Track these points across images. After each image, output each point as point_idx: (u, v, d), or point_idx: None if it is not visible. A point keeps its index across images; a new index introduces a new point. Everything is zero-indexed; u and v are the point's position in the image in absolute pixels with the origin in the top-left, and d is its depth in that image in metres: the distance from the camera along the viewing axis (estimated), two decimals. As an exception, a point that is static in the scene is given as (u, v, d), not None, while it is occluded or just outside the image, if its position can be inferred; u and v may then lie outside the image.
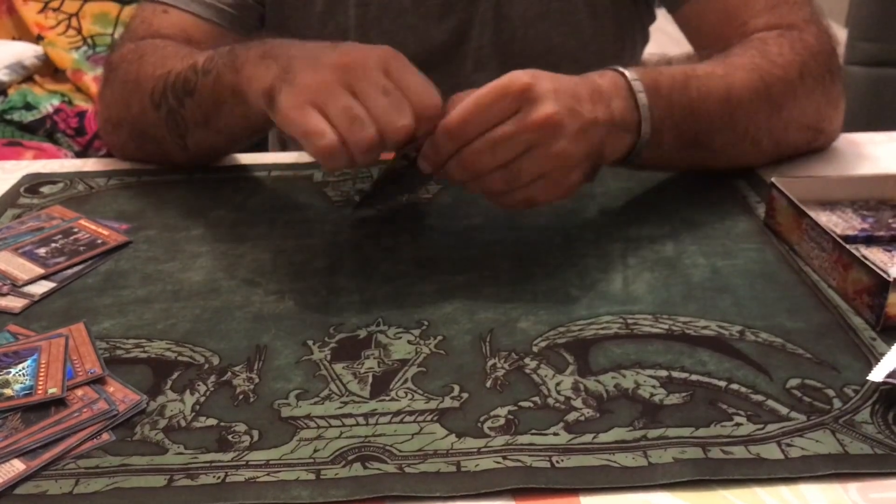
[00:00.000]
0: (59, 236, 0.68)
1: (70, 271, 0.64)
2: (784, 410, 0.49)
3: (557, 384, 0.51)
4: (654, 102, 0.65)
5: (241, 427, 0.48)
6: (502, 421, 0.48)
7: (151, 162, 0.82)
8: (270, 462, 0.46)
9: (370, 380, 0.52)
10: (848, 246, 0.58)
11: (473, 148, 0.58)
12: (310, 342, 0.56)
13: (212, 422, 0.49)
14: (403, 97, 0.57)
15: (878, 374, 0.49)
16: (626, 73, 0.65)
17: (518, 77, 0.58)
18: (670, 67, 0.70)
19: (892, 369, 0.50)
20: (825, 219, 0.66)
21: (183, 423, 0.49)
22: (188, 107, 0.73)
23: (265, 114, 0.63)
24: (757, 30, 0.78)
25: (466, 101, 0.58)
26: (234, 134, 0.76)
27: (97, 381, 0.51)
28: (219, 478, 0.45)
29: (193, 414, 0.49)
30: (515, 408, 0.49)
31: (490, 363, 0.53)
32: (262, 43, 0.66)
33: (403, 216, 0.72)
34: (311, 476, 0.45)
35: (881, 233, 0.65)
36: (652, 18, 0.97)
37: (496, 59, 0.88)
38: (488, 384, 0.51)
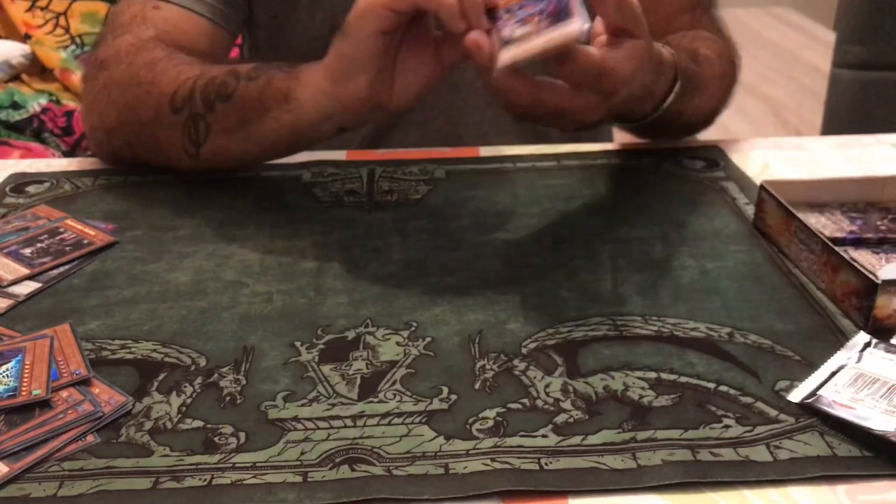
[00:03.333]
0: (45, 236, 0.68)
1: (56, 271, 0.64)
2: (773, 413, 0.49)
3: (546, 386, 0.51)
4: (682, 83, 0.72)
5: (228, 429, 0.48)
6: (491, 423, 0.48)
7: (147, 165, 0.79)
8: (257, 464, 0.45)
9: (358, 381, 0.52)
10: (836, 248, 0.58)
11: None
12: (297, 343, 0.55)
13: (198, 424, 0.48)
14: None
15: (797, 395, 0.49)
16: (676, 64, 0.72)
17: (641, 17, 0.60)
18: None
19: (810, 391, 0.49)
20: (814, 221, 0.66)
21: (169, 425, 0.48)
22: (219, 112, 0.70)
23: (314, 122, 0.66)
24: (682, 26, 0.86)
25: None
26: (268, 143, 0.72)
27: (82, 383, 0.51)
28: (205, 480, 0.44)
29: (179, 416, 0.49)
30: (504, 409, 0.49)
31: (479, 365, 0.53)
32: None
33: (392, 217, 0.71)
34: (299, 478, 0.44)
35: (869, 235, 0.65)
36: None
37: None
38: (477, 386, 0.51)
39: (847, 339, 0.54)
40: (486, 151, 0.84)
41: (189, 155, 0.75)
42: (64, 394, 0.50)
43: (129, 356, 0.54)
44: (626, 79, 0.59)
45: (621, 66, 0.58)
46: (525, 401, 0.50)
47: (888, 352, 0.51)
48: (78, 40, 1.80)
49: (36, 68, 1.79)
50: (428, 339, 0.55)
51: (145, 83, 0.75)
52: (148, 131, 0.76)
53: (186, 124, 0.72)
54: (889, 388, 0.48)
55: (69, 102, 1.71)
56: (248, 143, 0.72)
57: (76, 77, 1.72)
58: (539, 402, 0.50)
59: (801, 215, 0.63)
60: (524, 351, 0.54)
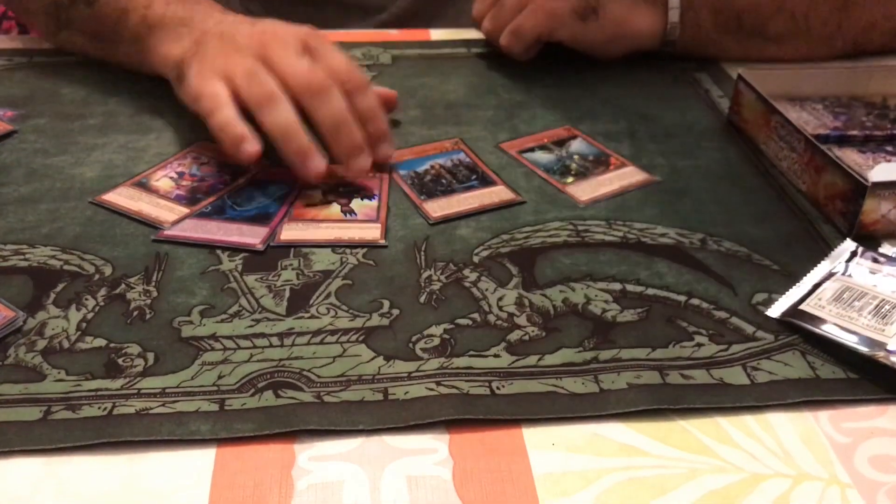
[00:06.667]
0: (-68, 124, 0.59)
1: (-58, 165, 0.56)
2: (750, 329, 0.44)
3: (499, 299, 0.46)
4: None
5: (135, 349, 0.42)
6: (437, 341, 0.43)
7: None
8: (167, 390, 0.39)
9: (287, 294, 0.46)
10: (821, 146, 0.52)
11: None
12: (218, 250, 0.49)
13: (100, 342, 0.42)
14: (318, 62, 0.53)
15: (776, 310, 0.45)
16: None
17: None
18: None
19: (791, 305, 0.45)
20: (795, 116, 0.61)
21: (66, 345, 0.42)
22: (80, 11, 0.65)
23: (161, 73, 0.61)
24: None
25: None
26: (122, 65, 0.68)
27: (-35, 295, 0.44)
28: (105, 409, 0.38)
29: (79, 333, 0.43)
30: (452, 326, 0.44)
31: (425, 275, 0.47)
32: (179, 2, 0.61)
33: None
34: (214, 407, 0.39)
35: (854, 132, 0.59)
36: None
37: None
38: (422, 299, 0.45)
39: (830, 247, 0.49)
40: (437, 35, 0.76)
41: (50, 32, 0.70)
42: (-58, 308, 0.43)
43: (23, 263, 0.47)
44: None
45: None
46: (475, 316, 0.44)
47: (877, 262, 0.47)
48: None
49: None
50: (368, 247, 0.49)
51: None
52: None
53: (51, 3, 0.67)
54: (879, 303, 0.44)
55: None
56: (105, 55, 0.68)
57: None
58: (491, 318, 0.44)
59: (781, 109, 0.57)
60: (475, 260, 0.48)
